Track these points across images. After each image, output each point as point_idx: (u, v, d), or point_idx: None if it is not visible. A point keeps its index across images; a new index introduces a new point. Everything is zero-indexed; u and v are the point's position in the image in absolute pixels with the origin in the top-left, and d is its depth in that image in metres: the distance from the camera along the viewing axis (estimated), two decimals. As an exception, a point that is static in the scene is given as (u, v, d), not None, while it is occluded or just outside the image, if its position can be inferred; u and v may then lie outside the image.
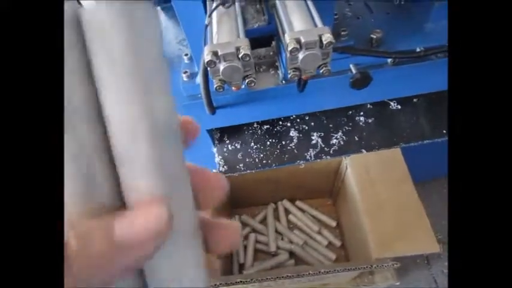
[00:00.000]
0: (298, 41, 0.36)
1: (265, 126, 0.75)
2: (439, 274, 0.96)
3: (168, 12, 0.83)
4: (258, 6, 0.65)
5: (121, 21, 0.11)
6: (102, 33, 0.12)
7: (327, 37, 0.35)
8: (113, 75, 0.12)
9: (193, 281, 0.15)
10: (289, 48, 0.35)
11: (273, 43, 0.62)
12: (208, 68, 0.37)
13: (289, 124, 0.75)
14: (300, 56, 0.37)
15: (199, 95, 0.59)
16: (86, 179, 0.12)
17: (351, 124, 0.75)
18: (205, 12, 0.48)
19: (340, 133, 0.73)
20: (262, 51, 0.62)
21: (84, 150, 0.12)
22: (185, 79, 0.59)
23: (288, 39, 0.36)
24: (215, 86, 0.39)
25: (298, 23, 0.39)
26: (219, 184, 0.17)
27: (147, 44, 0.12)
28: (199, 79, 0.53)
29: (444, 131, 0.73)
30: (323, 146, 0.72)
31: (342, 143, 0.72)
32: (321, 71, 0.39)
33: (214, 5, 0.43)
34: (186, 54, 0.62)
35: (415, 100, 0.77)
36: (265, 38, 0.61)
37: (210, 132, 0.73)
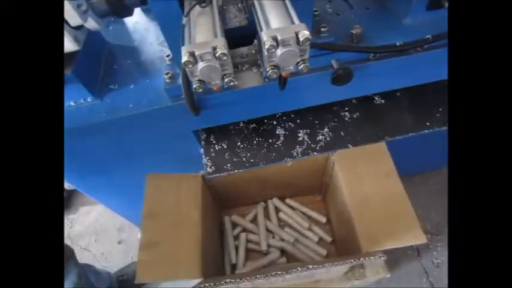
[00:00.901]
0: (274, 39, 0.36)
1: (252, 125, 0.75)
2: (430, 265, 0.97)
3: (150, 13, 0.83)
4: (239, 5, 0.65)
5: None
6: None
7: (304, 34, 0.35)
8: None
9: None
10: (266, 46, 0.35)
11: (255, 41, 0.62)
12: (186, 69, 0.37)
13: (275, 122, 0.75)
14: (278, 53, 0.37)
15: (182, 96, 0.58)
16: None
17: (336, 120, 0.75)
18: (183, 12, 0.48)
19: (326, 129, 0.74)
20: (244, 50, 0.62)
21: None
22: (167, 80, 0.58)
23: (264, 37, 0.36)
24: (194, 87, 0.39)
25: (275, 21, 0.39)
26: None
27: None
28: (181, 80, 0.52)
29: (428, 123, 0.74)
30: (309, 142, 0.72)
31: (328, 139, 0.73)
32: (300, 68, 0.39)
33: (191, 4, 0.42)
34: (168, 56, 0.62)
35: (398, 94, 0.78)
36: (247, 36, 0.60)
37: (196, 133, 0.73)
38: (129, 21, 0.81)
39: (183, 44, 0.40)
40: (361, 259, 0.52)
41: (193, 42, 0.39)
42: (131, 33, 0.78)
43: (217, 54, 0.35)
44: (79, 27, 0.57)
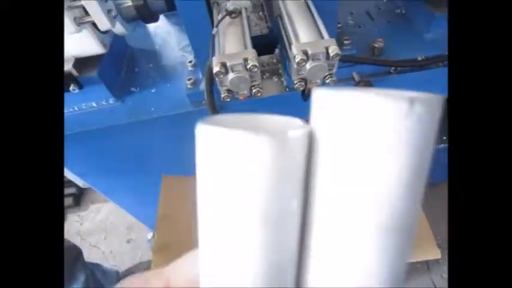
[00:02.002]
0: (305, 53, 0.36)
1: (267, 132, 0.76)
2: (439, 279, 0.97)
3: (171, 18, 0.84)
4: (260, 13, 0.66)
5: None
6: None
7: (333, 49, 0.36)
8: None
9: None
10: (297, 60, 0.36)
11: (276, 51, 0.63)
12: (216, 79, 0.37)
13: (291, 130, 0.76)
14: (307, 67, 0.37)
15: (204, 102, 0.59)
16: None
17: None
18: (211, 20, 0.48)
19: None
20: (265, 58, 0.63)
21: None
22: (189, 86, 0.59)
23: (295, 50, 0.36)
24: (222, 96, 0.40)
25: (304, 34, 0.39)
26: None
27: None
28: (203, 86, 0.53)
29: (444, 138, 0.74)
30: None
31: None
32: (327, 81, 0.39)
33: (221, 15, 0.43)
34: (190, 61, 0.63)
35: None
36: (268, 45, 0.61)
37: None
38: (150, 25, 0.83)
39: (213, 54, 0.41)
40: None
41: (223, 52, 0.39)
42: (153, 37, 0.80)
43: (248, 66, 0.36)
44: (106, 31, 0.59)
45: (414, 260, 0.62)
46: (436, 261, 0.98)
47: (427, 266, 0.99)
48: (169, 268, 0.14)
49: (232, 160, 0.10)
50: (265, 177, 0.10)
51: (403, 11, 0.67)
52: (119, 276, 1.02)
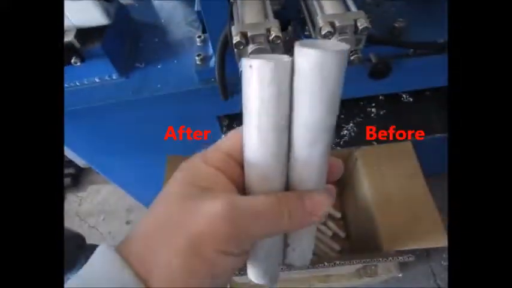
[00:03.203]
0: (332, 25, 0.34)
1: (275, 115, 0.73)
2: (438, 267, 0.97)
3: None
4: (273, -12, 0.62)
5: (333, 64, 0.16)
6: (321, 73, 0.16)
7: (363, 22, 0.34)
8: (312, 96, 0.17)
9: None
10: (323, 32, 0.33)
11: (290, 28, 0.60)
12: (235, 50, 0.35)
13: (299, 113, 0.74)
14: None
15: (213, 80, 0.56)
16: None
17: (362, 115, 0.73)
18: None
19: (351, 124, 0.72)
20: (278, 36, 0.60)
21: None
22: (198, 62, 0.56)
23: (321, 22, 0.34)
24: (240, 70, 0.37)
25: (329, 6, 0.37)
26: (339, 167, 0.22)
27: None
28: (214, 62, 0.50)
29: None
30: (334, 136, 0.71)
31: (352, 134, 0.71)
32: (352, 58, 0.37)
33: (240, -18, 0.40)
34: (199, 36, 0.59)
35: (427, 93, 0.76)
36: (281, 22, 0.58)
37: (219, 118, 0.71)
38: (155, -2, 0.79)
39: (229, 24, 0.38)
40: (389, 258, 0.51)
41: (242, 22, 0.37)
42: (158, 11, 0.76)
43: (270, 37, 0.34)
44: (110, 0, 0.55)
45: (423, 247, 0.61)
46: (436, 248, 0.99)
47: (426, 253, 0.99)
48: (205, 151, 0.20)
49: (252, 74, 0.16)
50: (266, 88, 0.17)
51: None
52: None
